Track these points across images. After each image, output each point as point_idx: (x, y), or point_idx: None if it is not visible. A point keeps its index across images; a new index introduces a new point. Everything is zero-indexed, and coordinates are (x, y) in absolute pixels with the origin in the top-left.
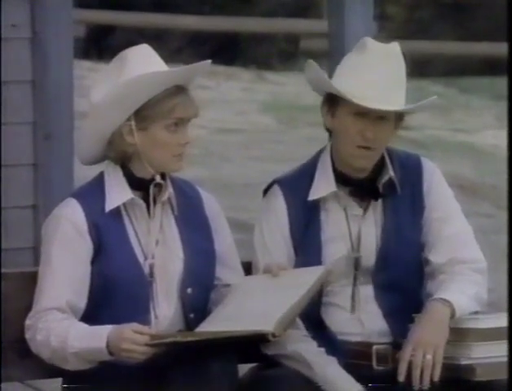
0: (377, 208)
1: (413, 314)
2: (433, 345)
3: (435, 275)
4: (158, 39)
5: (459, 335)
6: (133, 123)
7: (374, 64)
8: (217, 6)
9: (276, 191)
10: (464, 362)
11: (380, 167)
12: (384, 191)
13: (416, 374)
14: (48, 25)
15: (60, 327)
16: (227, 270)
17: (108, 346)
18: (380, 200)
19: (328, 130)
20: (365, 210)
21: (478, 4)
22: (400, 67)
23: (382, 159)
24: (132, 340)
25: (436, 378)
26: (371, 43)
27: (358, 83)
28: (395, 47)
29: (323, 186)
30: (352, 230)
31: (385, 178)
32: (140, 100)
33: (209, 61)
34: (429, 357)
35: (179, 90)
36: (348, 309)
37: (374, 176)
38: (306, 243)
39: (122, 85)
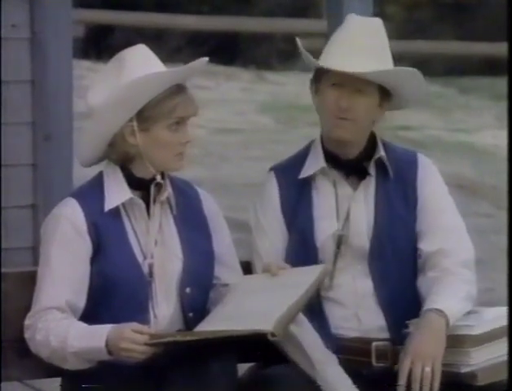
0: (368, 188)
1: (407, 321)
2: (431, 357)
3: (426, 268)
4: (157, 39)
5: (455, 341)
6: (135, 124)
7: (351, 36)
8: (216, 5)
9: (270, 175)
10: (464, 369)
11: (370, 148)
12: (376, 172)
13: (415, 387)
14: (47, 25)
15: (60, 326)
16: (226, 270)
17: (107, 346)
18: (372, 181)
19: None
20: (355, 189)
21: (477, 4)
22: (380, 38)
23: (374, 141)
24: (131, 339)
25: (435, 390)
26: (350, 17)
27: (333, 54)
28: (375, 21)
29: (313, 164)
30: (340, 209)
31: (375, 157)
32: (142, 101)
33: (207, 58)
34: (427, 369)
35: (179, 89)
36: (326, 287)
37: (364, 156)
38: (298, 220)
39: (125, 87)
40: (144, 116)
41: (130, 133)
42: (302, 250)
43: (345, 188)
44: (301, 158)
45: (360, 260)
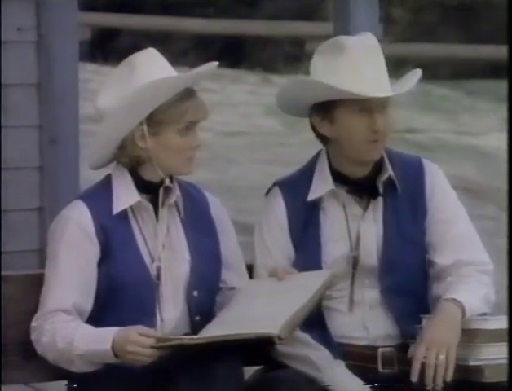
0: (377, 207)
1: (421, 315)
2: (446, 345)
3: (441, 277)
4: (163, 42)
5: (468, 335)
6: (145, 128)
7: (360, 58)
8: (222, 9)
9: (276, 192)
10: (472, 362)
11: (379, 166)
12: (383, 189)
13: (429, 374)
14: (53, 28)
15: (66, 328)
16: (233, 273)
17: (113, 348)
18: (380, 200)
19: (323, 138)
20: (365, 209)
21: (483, 7)
22: (380, 53)
23: (381, 158)
24: (137, 342)
25: (449, 378)
26: (346, 40)
27: (353, 80)
28: (370, 37)
29: (321, 185)
30: (351, 229)
31: (384, 177)
32: (153, 106)
33: (216, 63)
34: (442, 357)
35: (189, 93)
36: (346, 311)
37: (373, 175)
38: (305, 242)
39: (135, 92)
40: (155, 121)
41: (140, 137)
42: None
43: (354, 208)
44: (307, 175)
45: (368, 274)
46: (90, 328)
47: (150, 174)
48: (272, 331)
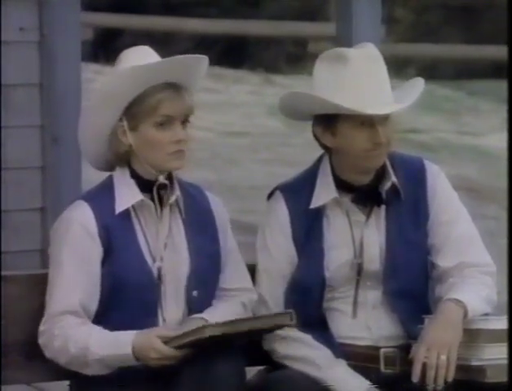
0: (380, 214)
1: (423, 315)
2: (447, 346)
3: (444, 279)
4: (166, 42)
5: (470, 336)
6: (125, 123)
7: (362, 71)
8: (224, 9)
9: (278, 197)
10: (475, 363)
11: (382, 173)
12: (387, 197)
13: (430, 374)
14: (56, 28)
15: (79, 333)
16: (233, 274)
17: (133, 352)
18: (383, 207)
19: (326, 148)
20: (368, 216)
21: (486, 7)
22: (382, 64)
23: (384, 164)
24: (162, 350)
25: (450, 378)
26: (349, 52)
27: (354, 94)
28: (373, 50)
29: (324, 193)
30: (355, 237)
31: (387, 185)
32: (126, 97)
33: (200, 56)
34: (443, 357)
35: (167, 86)
36: (350, 315)
37: (376, 182)
38: (308, 249)
39: (107, 83)
40: (131, 114)
41: (122, 133)
42: (308, 280)
43: (357, 215)
44: (309, 181)
45: (371, 278)
46: (104, 332)
47: (144, 172)
48: (286, 322)
